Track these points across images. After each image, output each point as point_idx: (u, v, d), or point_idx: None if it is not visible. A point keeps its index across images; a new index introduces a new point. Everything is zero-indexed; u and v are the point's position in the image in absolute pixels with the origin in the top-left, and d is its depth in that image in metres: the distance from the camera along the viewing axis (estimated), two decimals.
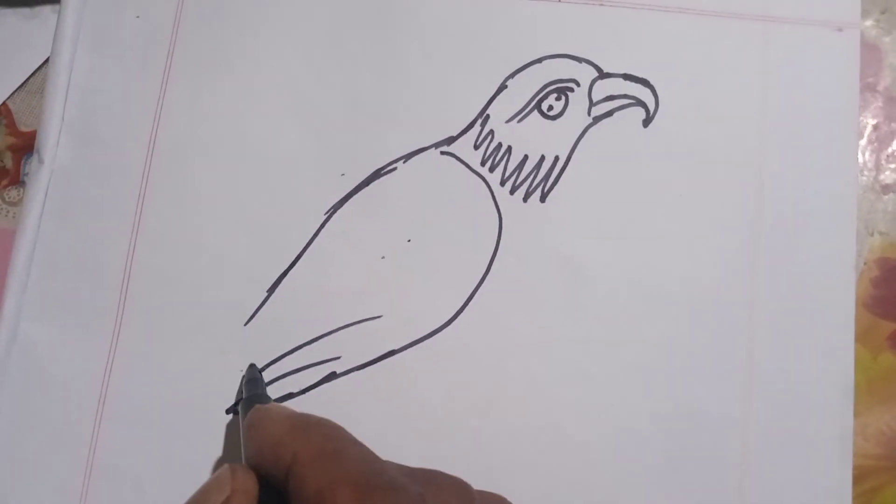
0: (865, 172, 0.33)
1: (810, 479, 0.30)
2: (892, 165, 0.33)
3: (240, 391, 0.31)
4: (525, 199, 0.33)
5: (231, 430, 0.31)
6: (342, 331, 0.32)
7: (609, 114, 0.33)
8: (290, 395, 0.32)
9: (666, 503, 0.30)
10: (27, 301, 0.33)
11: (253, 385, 0.30)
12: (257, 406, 0.25)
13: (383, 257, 0.33)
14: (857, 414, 0.31)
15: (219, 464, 0.31)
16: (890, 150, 0.33)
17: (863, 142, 0.33)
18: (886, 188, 0.33)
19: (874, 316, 0.32)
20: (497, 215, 0.33)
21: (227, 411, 0.32)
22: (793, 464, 0.30)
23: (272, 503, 0.22)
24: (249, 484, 0.23)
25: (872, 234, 0.33)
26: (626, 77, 0.33)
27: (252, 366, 0.32)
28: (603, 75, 0.33)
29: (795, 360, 0.31)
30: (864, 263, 0.32)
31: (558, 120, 0.33)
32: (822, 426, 0.31)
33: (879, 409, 0.31)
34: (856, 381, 0.31)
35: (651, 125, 0.33)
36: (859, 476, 0.30)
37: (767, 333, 0.31)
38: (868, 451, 0.31)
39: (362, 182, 0.33)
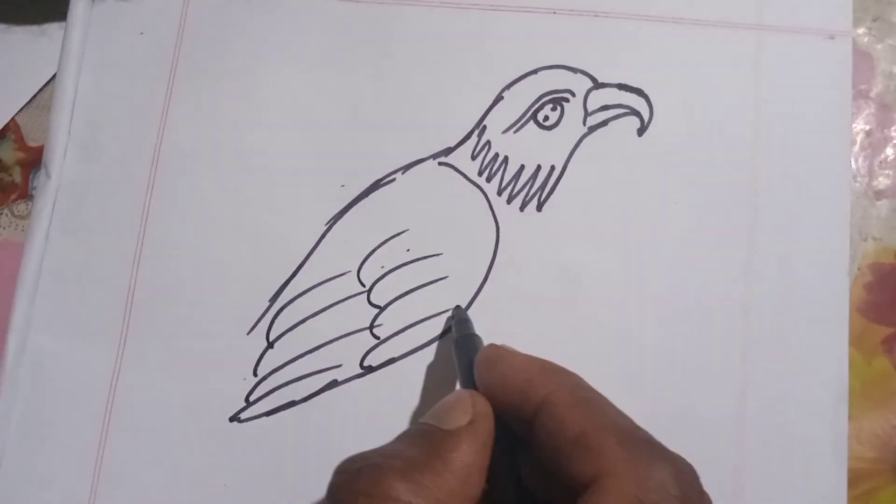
0: (858, 178, 0.33)
1: (806, 482, 0.30)
2: (885, 171, 0.34)
3: (446, 330, 0.32)
4: (522, 209, 0.33)
5: (233, 436, 0.32)
6: (342, 339, 0.32)
7: (604, 123, 0.34)
8: (293, 403, 0.32)
9: None
10: (36, 312, 0.33)
11: (464, 325, 0.30)
12: (492, 344, 0.26)
13: (383, 267, 0.33)
14: (851, 417, 0.31)
15: (222, 469, 0.32)
16: (882, 156, 0.34)
17: (856, 148, 0.34)
18: (879, 194, 0.33)
19: (868, 321, 0.32)
20: (494, 224, 0.33)
21: (231, 419, 0.32)
22: (788, 467, 0.31)
23: (501, 433, 0.23)
24: (488, 410, 0.24)
25: (866, 240, 0.33)
26: (621, 87, 0.34)
27: (459, 307, 0.32)
28: (598, 85, 0.34)
29: (790, 365, 0.31)
30: (858, 269, 0.33)
31: (554, 130, 0.34)
32: (817, 430, 0.31)
33: (874, 413, 0.32)
34: (850, 386, 0.31)
35: (646, 134, 0.33)
36: (854, 479, 0.31)
37: (762, 338, 0.32)
38: (863, 455, 0.31)
39: (362, 193, 0.34)
